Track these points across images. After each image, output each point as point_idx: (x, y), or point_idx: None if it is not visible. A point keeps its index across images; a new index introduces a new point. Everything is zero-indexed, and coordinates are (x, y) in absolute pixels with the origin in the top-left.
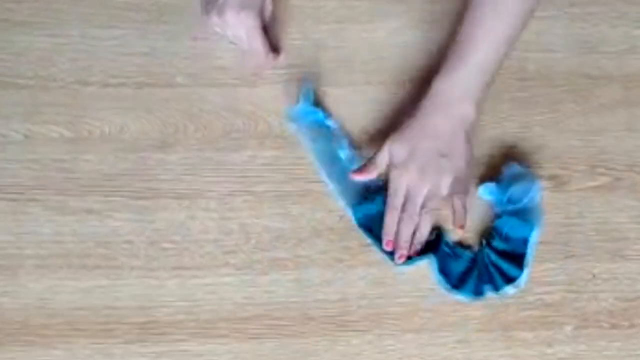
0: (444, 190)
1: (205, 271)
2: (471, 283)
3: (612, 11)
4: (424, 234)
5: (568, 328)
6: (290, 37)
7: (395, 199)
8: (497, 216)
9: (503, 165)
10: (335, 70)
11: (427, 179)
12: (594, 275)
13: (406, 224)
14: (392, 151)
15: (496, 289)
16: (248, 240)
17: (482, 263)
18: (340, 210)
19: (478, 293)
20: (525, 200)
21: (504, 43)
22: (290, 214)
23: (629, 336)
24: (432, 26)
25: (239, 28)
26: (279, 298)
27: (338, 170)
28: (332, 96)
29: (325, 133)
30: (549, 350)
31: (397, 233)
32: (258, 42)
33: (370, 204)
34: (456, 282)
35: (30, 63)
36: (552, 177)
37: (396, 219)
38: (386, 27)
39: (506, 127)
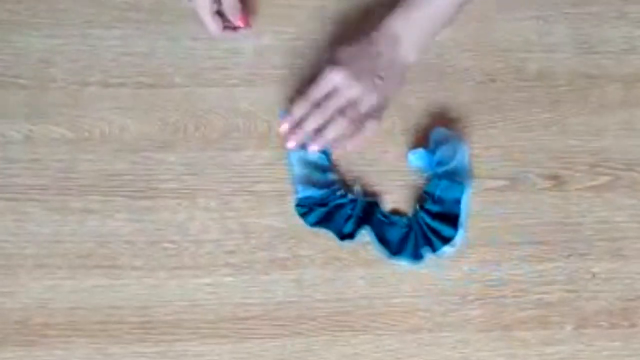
0: (366, 105)
1: (205, 271)
2: (409, 248)
3: (612, 11)
4: (328, 137)
5: (568, 328)
6: (290, 37)
7: (317, 89)
8: (428, 180)
9: (430, 130)
10: None
11: (357, 86)
12: (594, 275)
13: (316, 117)
14: (334, 51)
15: (434, 250)
16: (248, 240)
17: (417, 227)
18: None
19: (417, 256)
20: (454, 162)
21: None
22: (290, 213)
23: (629, 336)
24: None
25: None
26: (278, 298)
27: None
28: None
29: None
30: (549, 350)
31: (301, 120)
32: (207, 24)
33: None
34: (395, 249)
35: (31, 63)
36: (552, 177)
37: (306, 108)
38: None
39: (506, 127)
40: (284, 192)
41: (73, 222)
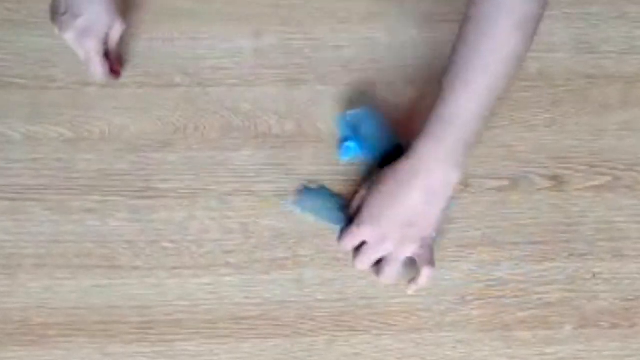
0: (403, 255)
1: (205, 271)
2: None
3: (612, 11)
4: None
5: (568, 328)
6: (290, 37)
7: (344, 244)
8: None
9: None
10: (335, 70)
11: (382, 248)
12: (594, 275)
13: (356, 264)
14: (362, 208)
15: None
16: (248, 240)
17: None
18: None
19: None
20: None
21: (488, 100)
22: (290, 214)
23: (629, 336)
24: (432, 26)
25: (78, 49)
26: (278, 298)
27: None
28: (332, 96)
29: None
30: (549, 350)
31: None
32: (95, 67)
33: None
34: None
35: (30, 63)
36: (552, 177)
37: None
38: (386, 27)
39: (506, 127)
40: (284, 192)
41: (73, 222)
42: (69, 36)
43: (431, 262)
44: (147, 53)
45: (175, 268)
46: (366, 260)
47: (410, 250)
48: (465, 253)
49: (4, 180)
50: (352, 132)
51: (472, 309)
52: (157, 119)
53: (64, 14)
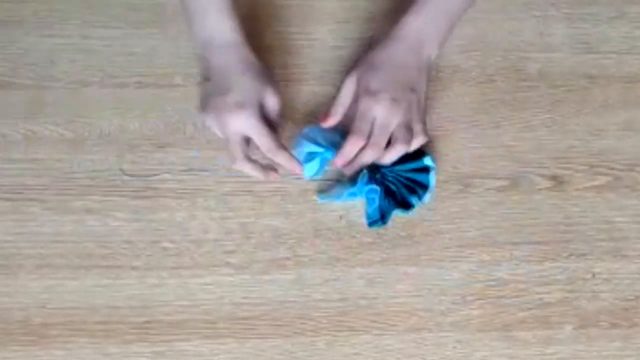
0: (415, 124)
1: (205, 271)
2: (391, 208)
3: (612, 11)
4: (388, 163)
5: (568, 328)
6: (290, 37)
7: (364, 124)
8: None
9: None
10: (335, 70)
11: (399, 111)
12: (593, 275)
13: (372, 152)
14: (362, 80)
15: (419, 198)
16: (248, 240)
17: (390, 187)
18: (340, 210)
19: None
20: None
21: None
22: (290, 214)
23: (629, 336)
24: None
25: (242, 131)
26: (278, 298)
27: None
28: (332, 96)
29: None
30: (549, 350)
31: (356, 157)
32: (268, 141)
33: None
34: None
35: (30, 63)
36: (552, 177)
37: (360, 145)
38: (386, 27)
39: (506, 127)
40: (284, 192)
41: (73, 222)
42: (230, 120)
43: (425, 133)
44: (147, 53)
45: (175, 268)
46: (382, 137)
47: (418, 116)
48: (465, 253)
49: (4, 180)
50: (315, 145)
51: (472, 309)
52: (157, 119)
53: (212, 95)
